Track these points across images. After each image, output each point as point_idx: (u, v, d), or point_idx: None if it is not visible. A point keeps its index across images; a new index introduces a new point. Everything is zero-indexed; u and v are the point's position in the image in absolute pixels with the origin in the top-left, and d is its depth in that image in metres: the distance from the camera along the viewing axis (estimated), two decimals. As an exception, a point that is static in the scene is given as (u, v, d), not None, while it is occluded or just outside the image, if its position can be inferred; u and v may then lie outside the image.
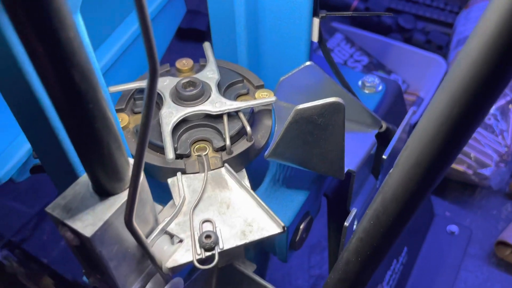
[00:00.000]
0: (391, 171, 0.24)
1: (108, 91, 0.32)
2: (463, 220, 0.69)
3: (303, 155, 0.30)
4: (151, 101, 0.16)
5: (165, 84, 0.32)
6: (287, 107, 0.35)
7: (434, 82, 0.78)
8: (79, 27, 0.21)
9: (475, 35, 0.16)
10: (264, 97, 0.33)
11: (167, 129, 0.29)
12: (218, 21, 0.37)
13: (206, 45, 0.35)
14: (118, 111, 0.32)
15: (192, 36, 0.89)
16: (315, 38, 0.35)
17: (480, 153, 0.68)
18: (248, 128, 0.30)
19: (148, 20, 0.16)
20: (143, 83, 0.33)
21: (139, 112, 0.33)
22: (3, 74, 0.22)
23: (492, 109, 0.71)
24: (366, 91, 0.44)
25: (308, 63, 0.33)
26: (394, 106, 0.47)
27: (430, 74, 0.79)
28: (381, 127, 0.39)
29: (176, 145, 0.29)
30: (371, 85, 0.43)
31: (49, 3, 0.16)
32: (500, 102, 0.71)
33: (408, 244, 0.60)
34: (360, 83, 0.44)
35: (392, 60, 0.85)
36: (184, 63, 0.35)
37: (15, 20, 0.16)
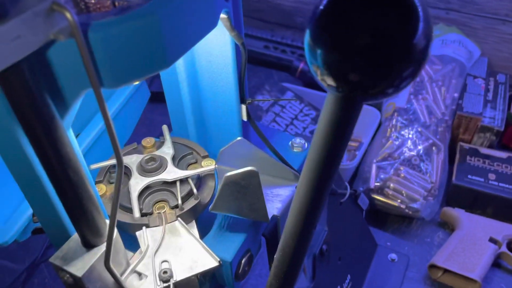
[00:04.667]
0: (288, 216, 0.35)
1: (89, 168, 0.43)
2: (402, 248, 0.80)
3: (236, 207, 0.41)
4: (118, 192, 0.27)
5: (133, 160, 0.43)
6: (227, 170, 0.46)
7: (371, 130, 0.91)
8: (71, 138, 0.32)
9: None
10: (208, 165, 0.44)
11: (134, 195, 0.40)
12: (173, 108, 0.49)
13: (164, 128, 0.47)
14: (97, 182, 0.43)
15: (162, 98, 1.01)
16: (244, 118, 0.47)
17: (410, 190, 0.80)
18: (195, 190, 0.41)
19: (113, 130, 0.27)
20: (115, 161, 0.44)
21: (114, 182, 0.43)
22: (18, 168, 0.32)
23: (420, 151, 0.84)
24: (295, 150, 0.56)
25: (238, 138, 0.45)
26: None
27: (367, 123, 0.93)
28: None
29: (141, 206, 0.40)
30: (298, 145, 0.55)
31: (55, 135, 0.27)
32: (425, 144, 0.84)
33: (352, 272, 0.70)
34: (290, 143, 0.56)
35: (337, 112, 0.98)
36: (148, 141, 0.47)
37: (34, 143, 0.27)
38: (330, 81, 0.25)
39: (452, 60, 0.91)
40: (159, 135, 0.48)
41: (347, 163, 0.88)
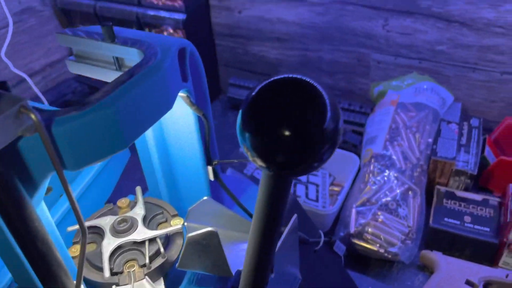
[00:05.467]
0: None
1: (67, 231, 0.47)
2: (383, 292, 0.81)
3: (200, 264, 0.44)
4: (82, 262, 0.31)
5: (106, 221, 0.47)
6: (196, 227, 0.50)
7: (350, 175, 0.95)
8: (43, 211, 0.36)
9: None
10: (176, 224, 0.48)
11: (106, 255, 0.44)
12: (146, 170, 0.53)
13: (137, 189, 0.51)
14: (74, 243, 0.47)
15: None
16: (211, 177, 0.51)
17: (388, 234, 0.83)
18: (162, 249, 0.45)
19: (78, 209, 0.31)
20: (91, 222, 0.47)
21: (90, 242, 0.47)
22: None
23: (396, 196, 0.87)
24: (265, 204, 0.59)
25: (205, 198, 0.48)
26: (291, 213, 0.63)
27: (348, 168, 0.97)
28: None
29: (112, 266, 0.44)
30: (268, 199, 0.59)
31: (24, 213, 0.31)
32: (401, 189, 0.88)
33: (331, 318, 0.72)
34: (261, 197, 0.60)
35: (319, 158, 1.02)
36: (123, 202, 0.51)
37: (5, 219, 0.31)
38: (259, 162, 0.29)
39: (425, 107, 0.95)
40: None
41: (329, 208, 0.91)
